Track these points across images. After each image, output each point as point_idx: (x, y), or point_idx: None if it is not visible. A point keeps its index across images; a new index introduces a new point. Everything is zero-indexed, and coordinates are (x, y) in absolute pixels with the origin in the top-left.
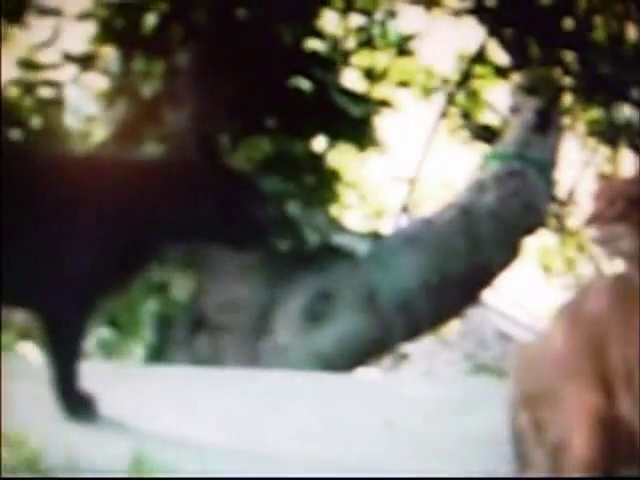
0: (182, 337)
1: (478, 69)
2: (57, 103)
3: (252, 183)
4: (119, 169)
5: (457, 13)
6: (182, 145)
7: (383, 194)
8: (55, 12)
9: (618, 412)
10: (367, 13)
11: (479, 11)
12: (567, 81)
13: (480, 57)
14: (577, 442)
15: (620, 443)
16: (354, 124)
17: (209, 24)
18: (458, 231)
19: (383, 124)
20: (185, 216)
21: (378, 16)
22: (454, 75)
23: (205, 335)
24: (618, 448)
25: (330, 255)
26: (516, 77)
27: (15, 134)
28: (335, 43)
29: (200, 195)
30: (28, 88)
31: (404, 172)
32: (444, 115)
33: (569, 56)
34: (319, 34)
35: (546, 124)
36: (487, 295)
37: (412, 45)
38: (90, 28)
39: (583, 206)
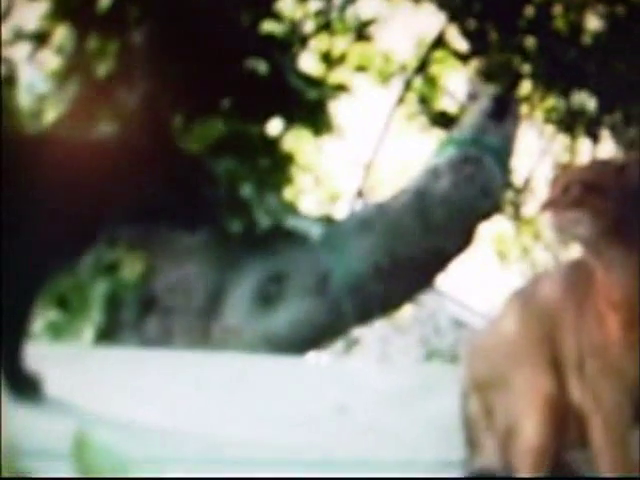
0: (131, 318)
1: (437, 55)
2: (9, 81)
3: (202, 164)
4: (70, 149)
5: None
6: (135, 125)
7: (339, 179)
8: None
9: (568, 398)
10: None
11: None
12: (526, 68)
13: (439, 43)
14: (527, 428)
15: (569, 428)
16: (309, 107)
17: (164, 4)
18: (411, 215)
19: (340, 109)
20: (135, 197)
21: (337, 0)
22: (412, 61)
23: (155, 316)
24: (567, 433)
25: (282, 238)
26: (474, 64)
27: None
28: (293, 26)
29: (150, 176)
30: None
31: (360, 157)
32: (401, 101)
33: (528, 43)
34: (276, 16)
35: (503, 111)
36: (442, 282)
37: (371, 30)
38: (43, 5)
39: (540, 194)
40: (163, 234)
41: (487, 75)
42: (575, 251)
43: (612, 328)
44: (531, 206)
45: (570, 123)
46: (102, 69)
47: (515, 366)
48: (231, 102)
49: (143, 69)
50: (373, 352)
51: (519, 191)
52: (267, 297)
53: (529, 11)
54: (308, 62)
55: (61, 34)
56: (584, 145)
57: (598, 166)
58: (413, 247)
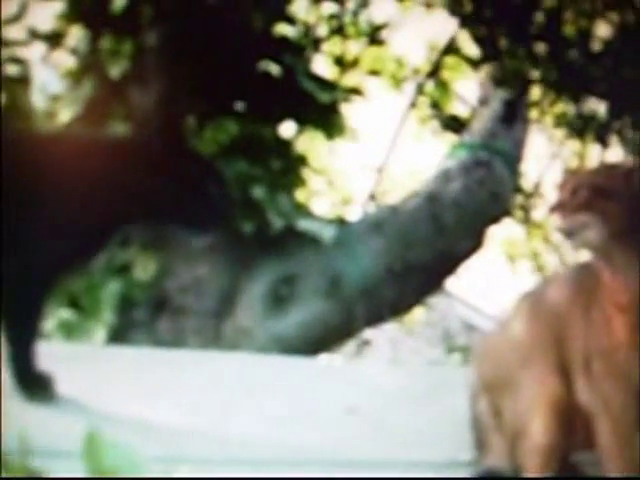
0: (144, 318)
1: (448, 60)
2: (23, 81)
3: (212, 167)
4: (82, 148)
5: (429, 4)
6: (148, 126)
7: (352, 182)
8: None
9: (576, 400)
10: (339, 1)
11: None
12: (536, 73)
13: (451, 48)
14: (535, 429)
15: (576, 430)
16: (322, 110)
17: (178, 5)
18: (423, 218)
19: (353, 112)
20: (146, 198)
21: (350, 4)
22: (425, 65)
23: (167, 317)
24: (575, 435)
25: (294, 240)
26: (485, 69)
27: None
28: (306, 30)
29: (161, 177)
30: None
31: (373, 160)
32: (414, 105)
33: (539, 49)
34: (290, 20)
35: (513, 116)
36: (453, 285)
37: (383, 34)
38: (58, 5)
39: (549, 198)
40: (176, 235)
41: (498, 80)
42: (584, 254)
43: (619, 330)
44: (541, 210)
45: (580, 128)
46: (116, 70)
47: (523, 368)
48: (244, 104)
49: (157, 70)
50: (383, 354)
51: (529, 195)
52: (279, 298)
53: (539, 17)
54: (321, 65)
55: (75, 35)
56: (593, 150)
57: (607, 170)
58: (424, 250)
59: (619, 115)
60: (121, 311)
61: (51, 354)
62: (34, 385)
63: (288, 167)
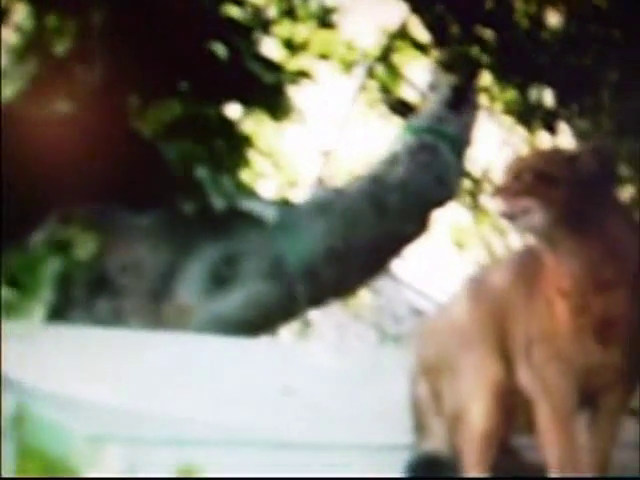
0: (83, 297)
1: (399, 44)
2: None
3: (153, 148)
4: (24, 125)
5: None
6: (90, 105)
7: (299, 164)
8: None
9: (516, 384)
10: None
11: None
12: (485, 59)
13: (401, 33)
14: (475, 413)
15: (516, 415)
16: (267, 91)
17: None
18: (366, 201)
19: (301, 95)
20: (84, 176)
21: None
22: (375, 49)
23: (106, 296)
24: (515, 419)
25: (237, 220)
26: (435, 54)
27: None
28: (256, 11)
29: (101, 157)
30: None
31: (321, 143)
32: (363, 88)
33: (488, 35)
34: (239, 1)
35: (461, 101)
36: (401, 270)
37: (334, 18)
38: None
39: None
40: (117, 214)
41: (446, 66)
42: (530, 240)
43: (561, 314)
44: (489, 195)
45: (527, 116)
46: (60, 47)
47: (464, 351)
48: (189, 83)
49: (101, 49)
50: (329, 339)
51: (477, 181)
52: (220, 279)
53: (489, 4)
54: (270, 48)
55: (20, 11)
56: (543, 137)
57: (550, 155)
58: (368, 232)
59: (565, 103)
60: (60, 290)
61: None
62: None
63: (232, 148)
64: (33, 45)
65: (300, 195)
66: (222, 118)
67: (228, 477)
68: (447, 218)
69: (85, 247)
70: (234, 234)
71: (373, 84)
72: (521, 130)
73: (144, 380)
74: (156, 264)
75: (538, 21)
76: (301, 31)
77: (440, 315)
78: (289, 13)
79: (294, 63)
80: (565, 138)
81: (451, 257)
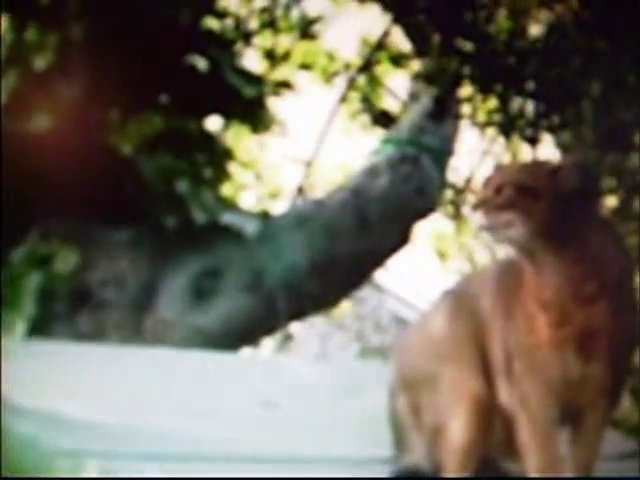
0: (64, 311)
1: (381, 55)
2: None
3: (131, 164)
4: (3, 141)
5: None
6: (69, 121)
7: (280, 175)
8: None
9: (496, 399)
10: None
11: None
12: (466, 70)
13: (383, 43)
14: (454, 427)
15: (496, 431)
16: (248, 104)
17: None
18: (348, 213)
19: (283, 106)
20: (62, 192)
21: None
22: (356, 60)
23: (88, 310)
24: (494, 436)
25: (218, 233)
26: (416, 64)
27: None
28: (237, 23)
29: (78, 173)
30: None
31: (302, 154)
32: (344, 99)
33: (469, 47)
34: (219, 13)
35: (442, 112)
36: (384, 279)
37: (316, 29)
38: None
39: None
40: (97, 228)
41: (426, 77)
42: (512, 250)
43: (541, 328)
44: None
45: (508, 127)
46: (41, 62)
47: (443, 365)
48: (169, 97)
49: (81, 63)
50: (312, 349)
51: (459, 191)
52: (201, 292)
53: (469, 15)
54: (251, 59)
55: (0, 25)
56: (524, 147)
57: (532, 168)
58: (349, 245)
59: (547, 113)
60: (42, 304)
61: None
62: None
63: (213, 161)
64: (13, 59)
65: (281, 206)
66: (203, 132)
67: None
68: (429, 228)
69: (66, 261)
70: (215, 248)
71: (354, 95)
72: (503, 140)
73: (125, 395)
74: (137, 278)
75: (519, 32)
76: (283, 42)
77: (419, 328)
78: (271, 24)
79: (275, 74)
80: (547, 148)
81: (434, 266)
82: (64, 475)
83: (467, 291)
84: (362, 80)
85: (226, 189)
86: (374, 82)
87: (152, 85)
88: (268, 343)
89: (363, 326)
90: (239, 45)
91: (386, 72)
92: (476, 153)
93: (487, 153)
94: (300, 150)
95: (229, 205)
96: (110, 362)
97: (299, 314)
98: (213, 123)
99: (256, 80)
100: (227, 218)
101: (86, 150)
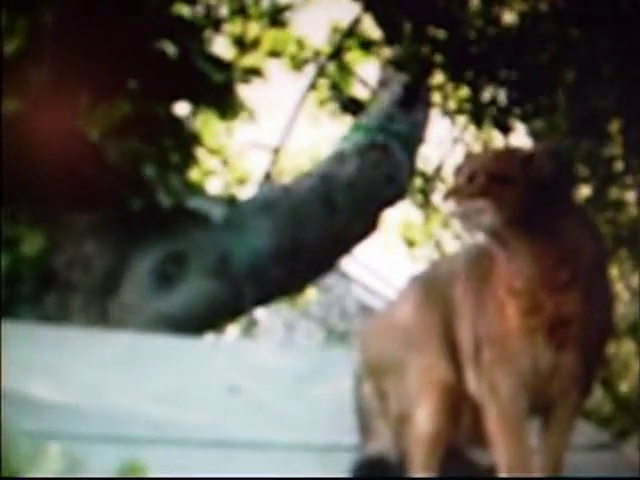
0: (30, 294)
1: (350, 42)
2: None
3: (96, 149)
4: None
5: None
6: (37, 105)
7: (247, 161)
8: None
9: (465, 388)
10: None
11: None
12: (437, 58)
13: (353, 31)
14: (421, 415)
15: (464, 419)
16: (216, 90)
17: None
18: (315, 199)
19: (252, 93)
20: (24, 176)
21: None
22: (326, 47)
23: (53, 292)
24: (461, 424)
25: (184, 218)
26: (387, 52)
27: None
28: (208, 10)
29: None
30: None
31: (270, 141)
32: (313, 86)
33: (440, 34)
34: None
35: (412, 99)
36: (350, 267)
37: (286, 16)
38: None
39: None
40: (64, 211)
41: (397, 64)
42: (481, 238)
43: (511, 316)
44: (441, 194)
45: (479, 114)
46: (10, 46)
47: (410, 352)
48: (138, 82)
49: (51, 48)
50: (277, 336)
51: (429, 179)
52: (166, 276)
53: (441, 2)
54: (221, 46)
55: None
56: (496, 135)
57: (504, 156)
58: (316, 231)
59: (519, 101)
60: (8, 285)
61: None
62: None
63: (180, 146)
64: None
65: (248, 192)
66: (171, 117)
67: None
68: (397, 215)
69: (32, 244)
70: (180, 232)
71: (324, 82)
72: (474, 128)
73: (89, 377)
74: (103, 261)
75: (492, 19)
76: (252, 29)
77: (386, 315)
78: (241, 11)
79: (245, 61)
80: (519, 137)
81: (401, 254)
82: (27, 457)
83: (436, 278)
84: (332, 68)
85: (193, 174)
86: (344, 69)
87: (121, 70)
88: (233, 329)
89: (329, 314)
90: (209, 31)
91: (356, 60)
92: (447, 141)
93: (458, 141)
94: (268, 137)
95: (196, 190)
96: (75, 345)
97: (264, 299)
98: (181, 108)
99: (225, 66)
100: (193, 203)
101: (54, 134)
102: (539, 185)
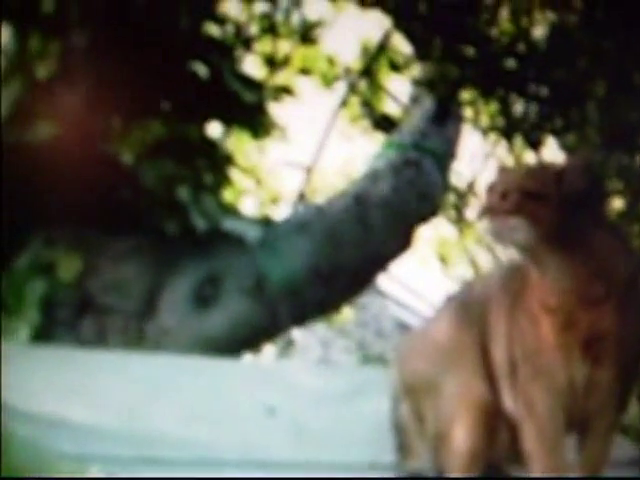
0: (67, 318)
1: (381, 59)
2: None
3: (130, 173)
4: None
5: (362, 3)
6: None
7: (281, 181)
8: None
9: (501, 406)
10: (271, 0)
11: (383, 2)
12: (467, 74)
13: (384, 47)
14: (458, 433)
15: (501, 438)
16: (248, 110)
17: (106, 4)
18: (350, 219)
19: (283, 111)
20: (61, 200)
21: (282, 3)
22: (357, 64)
23: (90, 316)
24: (499, 442)
25: (219, 240)
26: (417, 69)
27: None
28: (238, 28)
29: (78, 182)
30: None
31: (303, 159)
32: (345, 104)
33: (470, 51)
34: (219, 19)
35: (445, 115)
36: (386, 285)
37: (316, 33)
38: None
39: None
40: (100, 235)
41: (427, 83)
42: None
43: (546, 332)
44: (474, 209)
45: (509, 130)
46: (43, 70)
47: (446, 371)
48: (170, 104)
49: (84, 71)
50: (314, 355)
51: (462, 194)
52: (203, 299)
53: (471, 20)
54: (251, 65)
55: (3, 34)
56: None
57: (537, 172)
58: (351, 251)
59: (550, 116)
60: (44, 310)
61: None
62: None
63: (214, 167)
64: (16, 68)
65: (282, 212)
66: (204, 138)
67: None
68: (432, 232)
69: (69, 268)
70: (216, 254)
71: (355, 99)
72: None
73: (127, 400)
74: (139, 285)
75: (521, 35)
76: (283, 47)
77: (421, 335)
78: (271, 29)
79: (276, 79)
80: (552, 151)
81: (436, 271)
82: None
83: (471, 297)
84: (363, 84)
85: (227, 195)
86: (375, 86)
87: (153, 92)
88: (269, 349)
89: (365, 331)
90: (239, 51)
91: (387, 76)
92: (479, 156)
93: (490, 156)
94: (301, 155)
95: (230, 211)
96: (112, 368)
97: (301, 320)
98: (214, 129)
99: (256, 86)
100: (228, 224)
101: (88, 158)
102: (572, 201)
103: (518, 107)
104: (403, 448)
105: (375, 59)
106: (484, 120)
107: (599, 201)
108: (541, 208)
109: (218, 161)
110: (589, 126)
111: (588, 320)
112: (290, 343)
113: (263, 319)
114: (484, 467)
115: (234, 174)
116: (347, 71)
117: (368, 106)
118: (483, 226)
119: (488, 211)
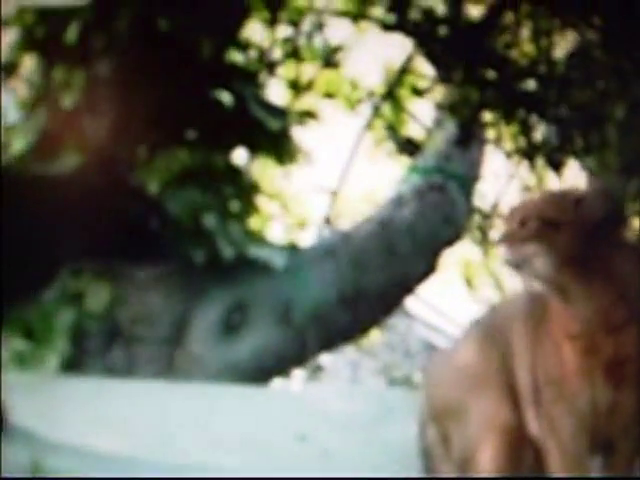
0: (96, 347)
1: (404, 81)
2: None
3: (155, 203)
4: (30, 184)
5: (385, 27)
6: (94, 162)
7: (306, 205)
8: None
9: (526, 430)
10: (294, 24)
11: (405, 25)
12: (487, 97)
13: (406, 70)
14: (483, 457)
15: (526, 460)
16: (272, 137)
17: (130, 34)
18: (376, 244)
19: (307, 135)
20: (88, 232)
21: (305, 27)
22: (380, 87)
23: (120, 346)
24: (524, 466)
25: (246, 267)
26: (439, 92)
27: None
28: (261, 54)
29: (103, 213)
30: None
31: (328, 183)
32: (369, 127)
33: (491, 74)
34: (241, 45)
35: (468, 138)
36: (413, 306)
37: (338, 57)
38: (12, 35)
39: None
40: (127, 265)
41: (448, 107)
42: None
43: (569, 357)
44: (498, 231)
45: (530, 152)
46: (68, 100)
47: (472, 396)
48: (196, 132)
49: (108, 100)
50: (343, 377)
51: (486, 216)
52: (231, 326)
53: (491, 42)
54: (275, 89)
55: (29, 64)
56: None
57: (555, 199)
58: (377, 276)
59: (570, 138)
60: (74, 340)
61: (4, 384)
62: None
63: (240, 194)
64: (42, 98)
65: (308, 236)
66: (229, 165)
67: None
68: (457, 254)
69: (97, 299)
70: (243, 282)
71: (379, 122)
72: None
73: (158, 429)
74: (167, 314)
75: (542, 55)
76: (306, 71)
77: (447, 359)
78: (294, 54)
79: (300, 103)
80: (574, 171)
81: (462, 292)
82: None
83: (495, 322)
84: (386, 107)
85: (253, 221)
86: (398, 109)
87: (178, 121)
88: (298, 373)
89: (393, 352)
90: (263, 76)
91: (409, 99)
92: (502, 177)
93: (513, 177)
94: (326, 178)
95: (256, 238)
96: (142, 397)
97: (328, 346)
98: (239, 156)
99: (280, 112)
100: (254, 251)
101: (114, 187)
102: (591, 228)
103: (539, 129)
104: (430, 472)
105: (397, 83)
106: (507, 141)
107: (618, 226)
108: (560, 235)
109: (244, 188)
110: (609, 149)
111: (610, 345)
112: (319, 368)
113: (291, 346)
114: None
115: (260, 200)
116: (370, 94)
117: (391, 129)
118: (501, 253)
119: (507, 238)
